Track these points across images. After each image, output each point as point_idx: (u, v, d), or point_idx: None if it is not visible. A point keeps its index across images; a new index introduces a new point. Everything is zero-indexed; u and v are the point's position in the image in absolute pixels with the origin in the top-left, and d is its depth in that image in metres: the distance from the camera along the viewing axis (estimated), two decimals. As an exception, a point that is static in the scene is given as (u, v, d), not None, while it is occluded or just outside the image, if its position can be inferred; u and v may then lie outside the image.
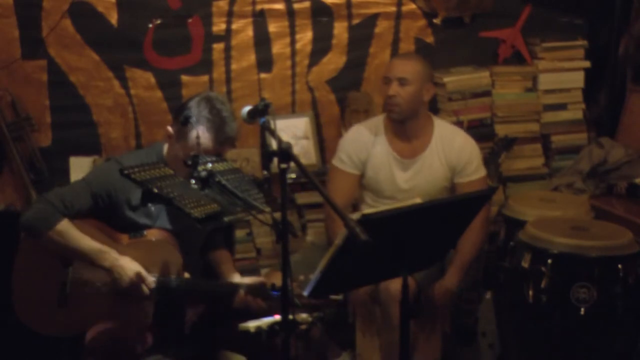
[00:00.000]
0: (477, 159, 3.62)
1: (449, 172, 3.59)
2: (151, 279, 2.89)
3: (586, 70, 4.38)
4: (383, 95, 3.60)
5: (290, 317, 2.45)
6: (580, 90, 4.40)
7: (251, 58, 4.13)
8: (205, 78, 4.09)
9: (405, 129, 3.59)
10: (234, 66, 4.12)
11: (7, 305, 3.01)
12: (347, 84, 4.24)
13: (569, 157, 4.31)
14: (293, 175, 3.91)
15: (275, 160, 2.42)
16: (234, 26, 4.09)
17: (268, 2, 4.10)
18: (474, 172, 3.59)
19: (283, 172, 2.40)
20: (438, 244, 2.72)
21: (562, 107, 4.39)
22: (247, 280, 3.10)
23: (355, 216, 2.28)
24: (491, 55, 4.38)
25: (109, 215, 2.99)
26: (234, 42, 4.10)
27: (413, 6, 4.24)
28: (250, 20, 4.10)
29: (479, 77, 4.27)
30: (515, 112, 4.33)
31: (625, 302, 3.17)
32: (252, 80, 4.15)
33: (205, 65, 4.09)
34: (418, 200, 2.65)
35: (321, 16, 4.17)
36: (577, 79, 4.39)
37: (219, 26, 4.07)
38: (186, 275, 3.00)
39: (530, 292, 3.23)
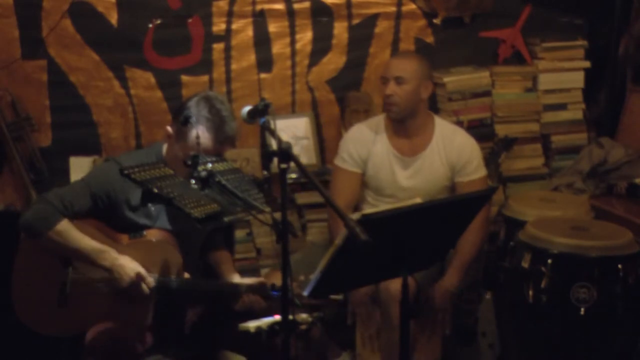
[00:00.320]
0: (478, 159, 3.62)
1: (449, 171, 3.59)
2: (151, 279, 2.89)
3: (586, 70, 4.38)
4: (381, 95, 3.60)
5: (290, 317, 2.45)
6: (580, 90, 4.40)
7: (251, 58, 4.13)
8: (205, 78, 4.09)
9: (405, 127, 3.59)
10: (234, 66, 4.12)
11: (7, 305, 3.01)
12: (347, 84, 4.24)
13: (569, 157, 4.31)
14: (293, 175, 3.97)
15: (275, 160, 2.42)
16: (234, 26, 4.09)
17: (268, 2, 4.10)
18: (474, 171, 3.59)
19: (283, 172, 2.40)
20: (438, 244, 2.72)
21: (562, 107, 4.39)
22: (247, 280, 3.10)
23: (355, 216, 2.28)
24: (491, 55, 4.38)
25: (108, 215, 2.99)
26: (234, 42, 4.10)
27: (413, 6, 4.24)
28: (250, 20, 4.10)
29: (479, 77, 4.27)
30: (515, 112, 4.33)
31: (625, 302, 3.17)
32: (252, 80, 4.15)
33: (205, 65, 4.09)
34: (418, 200, 2.65)
35: (321, 16, 4.17)
36: (577, 79, 4.39)
37: (219, 26, 4.07)
38: (186, 275, 3.00)
39: (530, 292, 3.23)
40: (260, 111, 2.53)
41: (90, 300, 2.93)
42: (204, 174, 2.72)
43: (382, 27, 4.24)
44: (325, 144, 4.26)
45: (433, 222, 2.56)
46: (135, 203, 2.98)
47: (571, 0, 4.40)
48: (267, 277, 3.15)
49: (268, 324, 2.60)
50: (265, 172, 3.94)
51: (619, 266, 3.16)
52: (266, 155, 4.09)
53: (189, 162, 2.78)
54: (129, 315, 2.93)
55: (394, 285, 3.07)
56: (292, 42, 4.17)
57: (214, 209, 2.81)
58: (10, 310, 3.00)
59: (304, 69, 4.20)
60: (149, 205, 2.99)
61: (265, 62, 4.15)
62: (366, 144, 3.62)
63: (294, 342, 2.51)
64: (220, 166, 2.82)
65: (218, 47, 4.09)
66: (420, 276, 3.34)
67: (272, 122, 2.51)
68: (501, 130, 4.29)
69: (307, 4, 4.13)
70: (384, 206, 3.39)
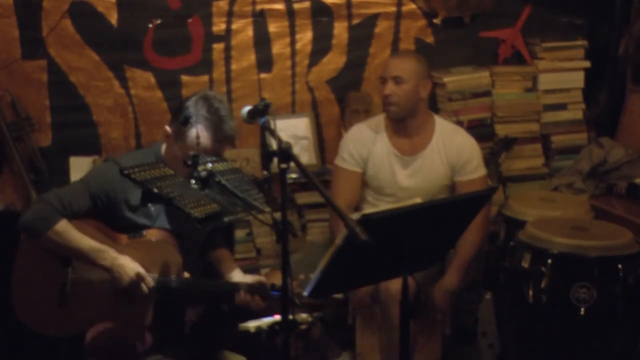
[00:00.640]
0: (478, 158, 3.62)
1: (449, 170, 3.59)
2: (150, 279, 2.89)
3: (586, 70, 4.38)
4: (380, 95, 3.61)
5: (290, 317, 2.45)
6: (580, 90, 4.40)
7: (251, 58, 4.14)
8: (205, 78, 4.09)
9: (405, 126, 3.59)
10: (234, 66, 4.12)
11: (7, 305, 3.01)
12: (347, 84, 4.24)
13: (569, 157, 4.31)
14: (293, 175, 3.97)
15: (275, 160, 2.42)
16: (234, 26, 4.09)
17: (268, 2, 4.10)
18: (474, 170, 3.59)
19: (283, 172, 2.40)
20: (438, 244, 2.72)
21: (562, 107, 4.39)
22: (247, 278, 3.10)
23: (355, 216, 2.28)
24: (491, 55, 4.38)
25: (108, 215, 2.99)
26: (234, 42, 4.10)
27: (413, 6, 4.24)
28: (250, 20, 4.10)
29: (479, 77, 4.27)
30: (515, 112, 4.33)
31: (625, 302, 3.17)
32: (252, 80, 4.15)
33: (205, 65, 4.09)
34: (418, 200, 2.65)
35: (321, 16, 4.17)
36: (577, 79, 4.39)
37: (219, 26, 4.07)
38: (186, 275, 3.00)
39: (530, 292, 3.23)
40: (260, 111, 2.53)
41: (90, 300, 2.93)
42: (204, 174, 2.72)
43: (382, 27, 4.24)
44: (325, 144, 4.26)
45: (433, 222, 2.56)
46: (135, 203, 2.97)
47: (571, 0, 4.40)
48: (267, 277, 3.14)
49: (268, 324, 2.61)
50: (265, 172, 3.94)
51: (619, 266, 3.16)
52: (266, 155, 4.09)
53: (189, 162, 2.78)
54: (129, 316, 2.93)
55: (394, 285, 3.07)
56: (292, 42, 4.17)
57: (214, 209, 2.81)
58: (10, 310, 3.00)
59: (304, 69, 4.20)
60: (149, 205, 2.99)
61: (265, 62, 4.15)
62: (366, 143, 3.62)
63: (294, 342, 2.51)
64: (220, 166, 2.82)
65: (218, 47, 4.09)
66: (420, 276, 3.34)
67: (272, 122, 2.51)
68: (501, 130, 4.29)
69: (307, 4, 4.14)
70: (384, 206, 3.39)
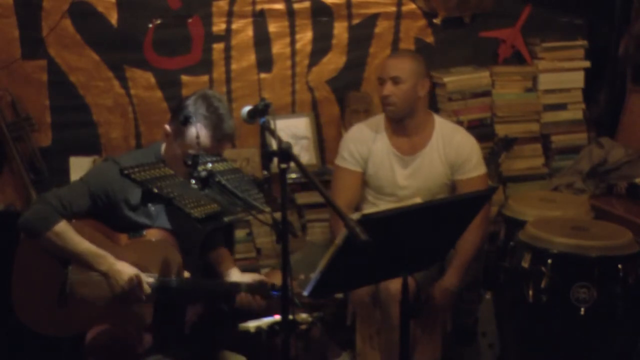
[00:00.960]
0: (477, 157, 3.61)
1: (448, 169, 3.59)
2: (147, 285, 2.89)
3: (586, 70, 4.38)
4: (379, 96, 3.61)
5: (290, 317, 2.45)
6: (580, 90, 4.40)
7: (251, 58, 4.13)
8: (205, 78, 4.09)
9: (404, 126, 3.59)
10: (234, 66, 4.12)
11: (7, 305, 3.01)
12: (347, 84, 4.24)
13: (569, 157, 4.31)
14: (293, 175, 3.97)
15: (275, 160, 2.41)
16: (234, 26, 4.09)
17: (268, 2, 4.10)
18: (473, 169, 3.59)
19: (283, 172, 2.40)
20: (438, 244, 2.72)
21: (562, 107, 4.39)
22: (247, 277, 3.10)
23: (355, 216, 2.28)
24: (491, 55, 4.38)
25: (108, 215, 2.99)
26: (234, 42, 4.10)
27: (413, 6, 4.24)
28: (250, 20, 4.10)
29: (479, 77, 4.27)
30: (515, 112, 4.33)
31: (625, 302, 3.17)
32: (252, 80, 4.15)
33: (205, 65, 4.09)
34: (418, 200, 2.65)
35: (321, 16, 4.17)
36: (577, 79, 4.39)
37: (219, 26, 4.07)
38: (186, 274, 3.00)
39: (530, 292, 3.23)
40: (260, 111, 2.53)
41: (90, 301, 2.93)
42: (204, 174, 2.72)
43: (382, 27, 4.24)
44: (325, 144, 4.26)
45: (433, 222, 2.55)
46: (135, 202, 2.97)
47: (571, 0, 4.40)
48: (267, 277, 3.14)
49: (268, 324, 2.60)
50: (265, 172, 3.94)
51: (619, 266, 3.16)
52: (266, 155, 4.09)
53: (189, 162, 2.78)
54: (129, 316, 2.93)
55: (394, 285, 3.07)
56: (292, 42, 4.17)
57: (214, 209, 2.81)
58: (10, 310, 3.00)
59: (304, 69, 4.20)
60: (149, 205, 2.99)
61: (265, 62, 4.15)
62: (366, 142, 3.62)
63: (294, 342, 2.51)
64: (220, 166, 2.82)
65: (218, 47, 4.09)
66: (420, 276, 3.34)
67: (272, 122, 2.51)
68: (501, 130, 4.29)
69: (307, 4, 4.13)
70: (384, 206, 3.39)
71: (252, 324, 2.62)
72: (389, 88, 3.51)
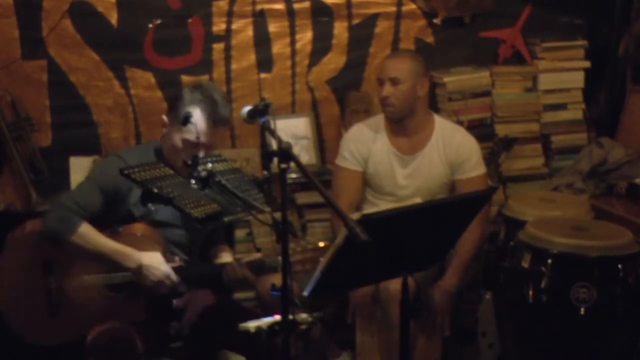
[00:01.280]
0: (477, 156, 3.61)
1: (448, 169, 3.59)
2: (175, 276, 2.90)
3: (586, 70, 4.38)
4: (378, 96, 3.61)
5: (290, 317, 2.45)
6: (580, 90, 4.40)
7: (251, 58, 4.13)
8: (205, 78, 4.09)
9: (404, 125, 3.59)
10: (234, 66, 4.12)
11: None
12: (347, 84, 4.24)
13: (569, 157, 4.31)
14: (293, 175, 3.97)
15: (275, 160, 2.42)
16: (234, 26, 4.09)
17: (268, 2, 4.10)
18: (473, 168, 3.58)
19: (283, 172, 2.40)
20: (438, 244, 2.72)
21: (562, 107, 4.39)
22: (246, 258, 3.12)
23: (355, 216, 2.28)
24: (491, 55, 4.38)
25: (113, 208, 3.00)
26: (234, 42, 4.10)
27: (413, 6, 4.24)
28: (250, 20, 4.10)
29: (479, 77, 4.27)
30: (515, 112, 4.33)
31: (625, 302, 3.17)
32: (252, 80, 4.15)
33: (205, 65, 4.09)
34: (418, 200, 2.65)
35: (321, 16, 4.17)
36: (577, 79, 4.39)
37: (219, 26, 4.07)
38: (177, 261, 3.01)
39: (530, 292, 3.23)
40: (260, 111, 2.53)
41: (82, 306, 2.93)
42: (204, 174, 2.73)
43: (382, 27, 4.24)
44: (325, 144, 4.26)
45: (433, 222, 2.56)
46: (137, 199, 2.99)
47: (571, 0, 4.40)
48: (267, 277, 3.14)
49: (268, 324, 2.60)
50: (265, 172, 3.93)
51: (619, 266, 3.16)
52: (266, 155, 4.09)
53: (189, 162, 2.78)
54: (122, 314, 2.93)
55: (394, 285, 3.07)
56: (292, 42, 4.17)
57: (214, 209, 2.81)
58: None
59: (304, 69, 4.20)
60: (149, 205, 2.99)
61: (265, 62, 4.15)
62: (366, 142, 3.62)
63: (294, 342, 2.51)
64: (220, 166, 2.83)
65: (218, 47, 4.09)
66: (420, 276, 3.34)
67: (272, 122, 2.51)
68: (501, 130, 4.29)
69: (307, 4, 4.13)
70: (384, 206, 3.39)
71: (252, 324, 2.62)
72: (387, 89, 3.51)
